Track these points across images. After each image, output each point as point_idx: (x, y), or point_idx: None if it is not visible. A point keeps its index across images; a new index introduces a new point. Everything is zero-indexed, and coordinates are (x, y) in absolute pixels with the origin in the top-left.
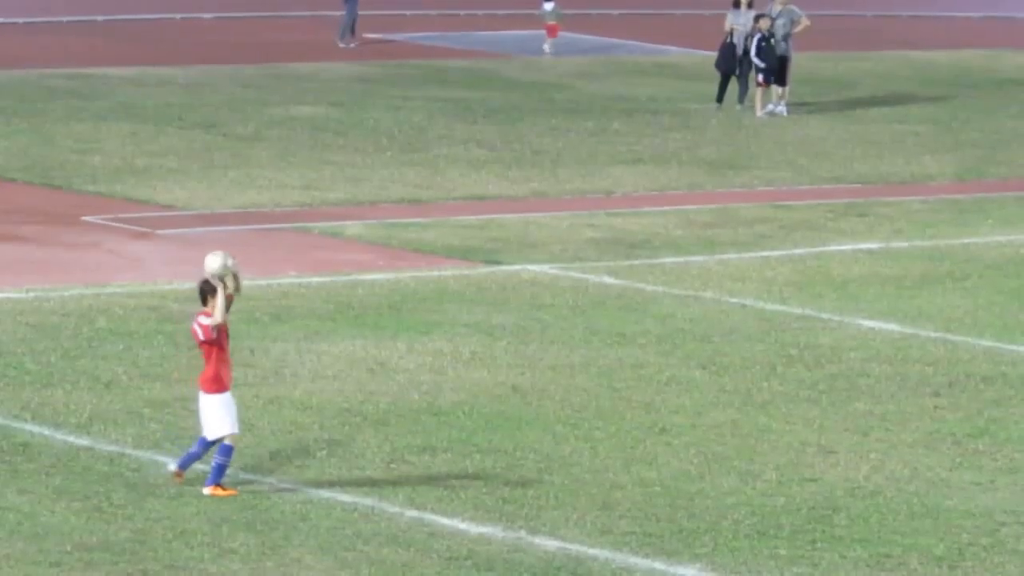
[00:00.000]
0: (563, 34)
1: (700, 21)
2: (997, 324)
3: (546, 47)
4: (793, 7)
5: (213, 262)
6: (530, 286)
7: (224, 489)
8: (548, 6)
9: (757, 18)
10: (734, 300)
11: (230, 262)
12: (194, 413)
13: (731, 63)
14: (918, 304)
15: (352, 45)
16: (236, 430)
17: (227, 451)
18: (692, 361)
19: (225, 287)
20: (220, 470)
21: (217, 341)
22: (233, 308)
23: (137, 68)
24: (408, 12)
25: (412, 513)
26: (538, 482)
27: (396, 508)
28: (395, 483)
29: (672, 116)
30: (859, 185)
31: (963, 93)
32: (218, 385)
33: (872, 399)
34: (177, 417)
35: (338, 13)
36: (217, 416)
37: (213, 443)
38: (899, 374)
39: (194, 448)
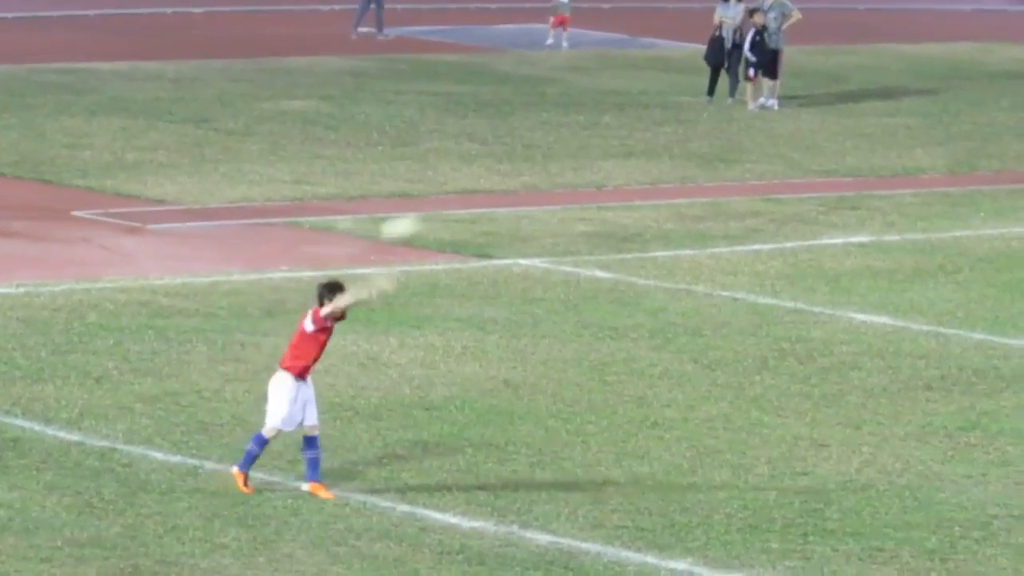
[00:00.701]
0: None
1: (691, 14)
2: (989, 317)
3: (563, 43)
4: (785, 0)
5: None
6: (521, 280)
7: (246, 485)
8: None
9: (751, 13)
10: (726, 294)
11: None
12: (185, 408)
13: (719, 56)
14: (910, 297)
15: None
16: (268, 423)
17: (260, 440)
18: (684, 355)
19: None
20: (250, 457)
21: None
22: (224, 303)
23: (127, 63)
24: (400, 6)
25: (404, 508)
26: (530, 476)
27: (388, 503)
28: (387, 478)
29: (663, 110)
30: (851, 178)
31: (954, 86)
32: (286, 363)
33: (864, 393)
34: (168, 412)
35: (327, 8)
36: (271, 400)
37: (310, 439)
38: (891, 368)
39: (305, 453)
